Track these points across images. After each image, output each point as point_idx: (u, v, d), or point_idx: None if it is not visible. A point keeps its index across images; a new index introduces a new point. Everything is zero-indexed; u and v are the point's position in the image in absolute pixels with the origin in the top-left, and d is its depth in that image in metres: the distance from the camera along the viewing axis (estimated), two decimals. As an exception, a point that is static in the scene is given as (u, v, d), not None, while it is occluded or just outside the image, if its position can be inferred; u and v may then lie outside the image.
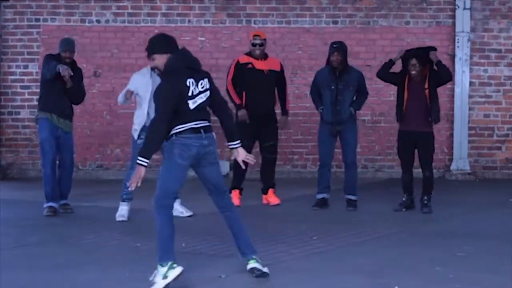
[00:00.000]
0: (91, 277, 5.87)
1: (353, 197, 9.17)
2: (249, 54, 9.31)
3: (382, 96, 12.00)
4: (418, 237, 7.52)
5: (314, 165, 12.05)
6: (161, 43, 5.82)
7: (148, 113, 8.08)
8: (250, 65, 9.19)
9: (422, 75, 8.78)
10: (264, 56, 9.29)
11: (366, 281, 5.74)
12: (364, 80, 9.23)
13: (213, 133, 5.96)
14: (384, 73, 9.01)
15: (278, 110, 9.47)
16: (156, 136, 5.67)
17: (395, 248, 6.96)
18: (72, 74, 8.48)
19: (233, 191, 9.24)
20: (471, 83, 12.22)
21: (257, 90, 9.13)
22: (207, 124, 5.92)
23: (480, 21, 12.24)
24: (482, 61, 12.27)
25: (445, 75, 8.85)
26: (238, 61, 9.29)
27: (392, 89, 11.86)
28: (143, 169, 5.59)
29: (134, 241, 7.22)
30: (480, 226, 8.12)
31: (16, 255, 6.67)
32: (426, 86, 8.75)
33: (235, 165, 9.37)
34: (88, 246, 7.07)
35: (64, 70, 8.38)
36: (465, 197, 10.29)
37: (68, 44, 8.87)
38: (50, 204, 8.71)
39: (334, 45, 9.07)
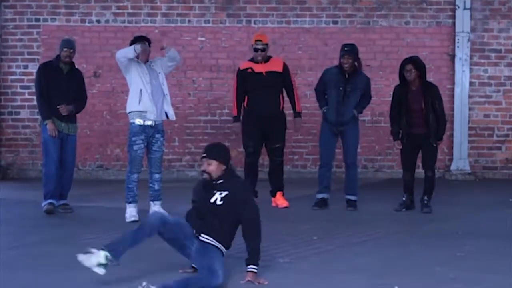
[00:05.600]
0: (91, 277, 5.86)
1: (353, 198, 9.16)
2: (251, 59, 9.26)
3: (382, 96, 11.99)
4: (418, 237, 7.52)
5: (314, 165, 12.05)
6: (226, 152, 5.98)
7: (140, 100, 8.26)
8: (250, 70, 9.14)
9: (419, 86, 8.77)
10: (266, 59, 9.18)
11: (366, 281, 5.74)
12: (370, 84, 9.21)
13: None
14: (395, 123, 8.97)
15: (290, 111, 9.44)
16: None
17: (395, 248, 6.96)
18: (55, 135, 8.71)
19: None
20: (471, 83, 12.22)
21: (258, 93, 9.07)
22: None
23: (480, 21, 12.24)
24: (482, 61, 12.27)
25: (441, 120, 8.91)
26: (239, 69, 9.29)
27: (392, 90, 11.88)
28: None
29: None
30: (480, 226, 8.12)
31: (16, 255, 6.67)
32: (423, 106, 8.73)
33: (245, 168, 9.36)
34: (88, 246, 7.05)
35: (51, 131, 8.67)
36: (465, 197, 10.29)
37: (68, 43, 8.89)
38: (50, 201, 8.71)
39: (345, 48, 8.98)
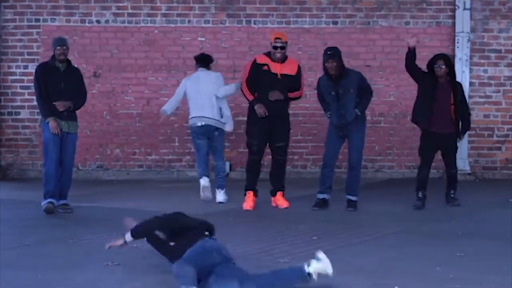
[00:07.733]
0: (91, 277, 5.87)
1: (353, 198, 9.15)
2: (268, 54, 9.19)
3: (382, 97, 12.00)
4: (418, 237, 7.52)
5: (314, 165, 12.06)
6: None
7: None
8: (265, 67, 9.07)
9: (447, 83, 8.95)
10: (283, 59, 9.15)
11: (366, 281, 5.73)
12: (365, 80, 9.16)
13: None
14: (410, 65, 9.02)
15: (290, 111, 9.47)
16: None
17: (395, 248, 6.96)
18: (58, 132, 8.71)
19: (247, 192, 9.23)
20: (471, 83, 12.22)
21: (269, 93, 9.07)
22: None
23: (480, 21, 12.25)
24: (482, 61, 12.28)
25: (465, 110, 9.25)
26: (255, 60, 9.20)
27: (392, 90, 11.90)
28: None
29: (134, 241, 7.20)
30: (480, 226, 8.12)
31: (16, 255, 6.66)
32: (452, 101, 8.99)
33: (248, 166, 9.35)
34: (88, 246, 7.07)
35: (54, 129, 8.66)
36: (465, 197, 10.26)
37: (59, 40, 8.91)
38: (49, 200, 8.72)
39: (328, 52, 8.98)
